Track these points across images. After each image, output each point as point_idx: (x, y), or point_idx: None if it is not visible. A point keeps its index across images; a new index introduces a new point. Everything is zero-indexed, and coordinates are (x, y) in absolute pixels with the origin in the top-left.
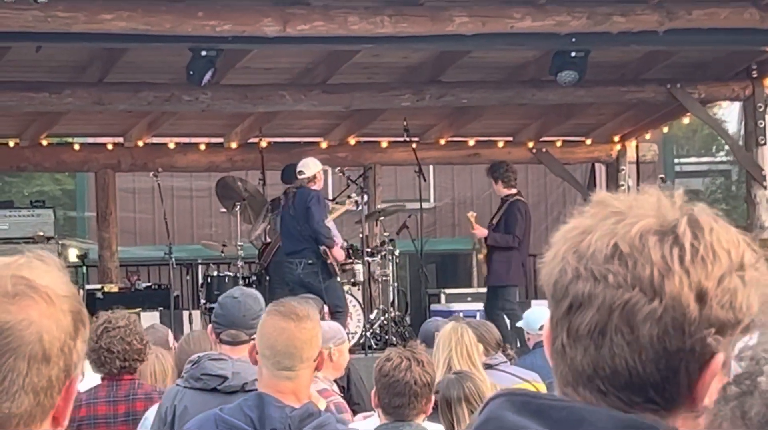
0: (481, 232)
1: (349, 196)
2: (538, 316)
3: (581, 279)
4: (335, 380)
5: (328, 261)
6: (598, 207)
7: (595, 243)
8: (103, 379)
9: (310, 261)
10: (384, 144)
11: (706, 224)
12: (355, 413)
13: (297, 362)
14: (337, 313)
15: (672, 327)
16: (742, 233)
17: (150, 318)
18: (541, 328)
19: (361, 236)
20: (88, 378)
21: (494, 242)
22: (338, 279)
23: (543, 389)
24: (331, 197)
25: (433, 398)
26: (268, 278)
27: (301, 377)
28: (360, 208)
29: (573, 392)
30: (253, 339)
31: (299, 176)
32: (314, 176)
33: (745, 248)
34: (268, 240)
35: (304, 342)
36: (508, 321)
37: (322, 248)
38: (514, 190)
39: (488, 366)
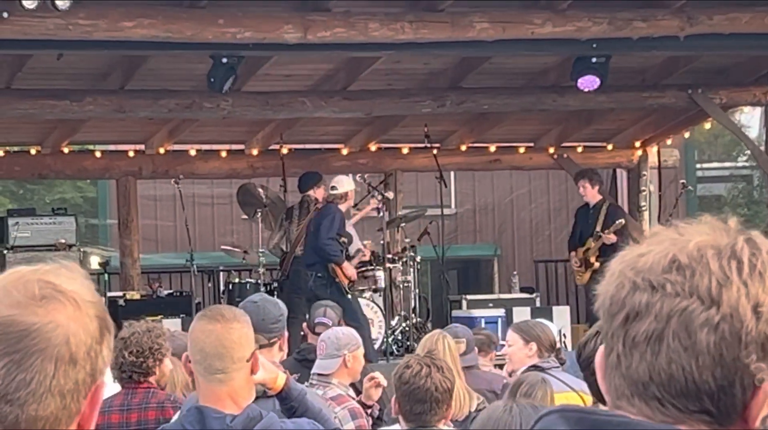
0: (612, 238)
1: (373, 196)
2: None
3: (638, 290)
4: (353, 385)
5: (336, 280)
6: (653, 236)
7: (653, 257)
8: (121, 387)
9: (320, 274)
10: (405, 150)
11: (764, 244)
12: (376, 419)
13: (228, 363)
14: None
15: (729, 335)
16: None
17: (172, 325)
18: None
19: (382, 242)
20: (110, 387)
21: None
22: (349, 297)
23: (589, 401)
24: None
25: (453, 404)
26: (275, 285)
27: (236, 379)
28: (381, 214)
29: (627, 405)
30: (273, 344)
31: (331, 191)
32: (345, 194)
33: None
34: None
35: (233, 342)
36: None
37: (330, 265)
38: (601, 195)
39: (538, 368)
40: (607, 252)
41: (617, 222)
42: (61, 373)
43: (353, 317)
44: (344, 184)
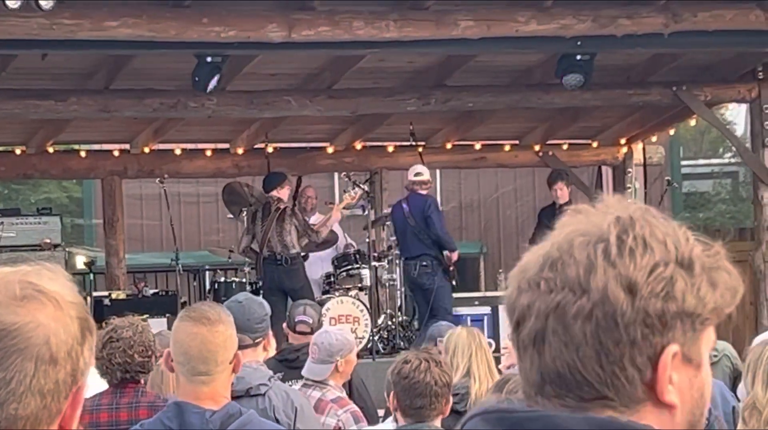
0: None
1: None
2: None
3: (523, 292)
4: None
5: (450, 267)
6: (554, 230)
7: (533, 256)
8: (109, 385)
9: (424, 263)
10: (390, 149)
11: (639, 219)
12: None
13: (212, 366)
14: (441, 315)
15: (604, 321)
16: (698, 235)
17: (158, 325)
18: None
19: (367, 240)
20: (95, 384)
21: None
22: (454, 283)
23: None
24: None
25: (451, 398)
26: (260, 284)
27: (218, 381)
28: (366, 212)
29: (533, 403)
30: (258, 343)
31: (413, 178)
32: (428, 181)
33: (694, 243)
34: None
35: (218, 346)
36: None
37: (446, 253)
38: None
39: None
40: None
41: None
42: (42, 373)
43: (448, 302)
44: (425, 172)
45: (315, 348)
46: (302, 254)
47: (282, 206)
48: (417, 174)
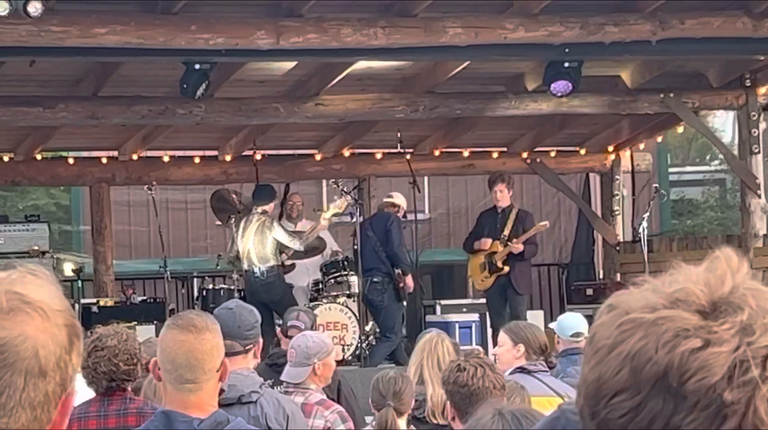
0: (519, 248)
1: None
2: (572, 322)
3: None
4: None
5: (400, 284)
6: (668, 276)
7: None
8: (96, 393)
9: (375, 280)
10: (378, 156)
11: (650, 323)
12: None
13: (199, 374)
14: (385, 336)
15: (582, 410)
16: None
17: (146, 332)
18: (573, 335)
19: (355, 247)
20: (82, 392)
21: (531, 255)
22: (404, 303)
23: None
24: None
25: (505, 400)
26: (243, 293)
27: (205, 389)
28: (354, 219)
29: None
30: (248, 350)
31: (385, 199)
32: (399, 206)
33: (699, 372)
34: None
35: (204, 353)
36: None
37: (398, 271)
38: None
39: (524, 371)
40: (512, 259)
41: (539, 225)
42: (31, 386)
43: (393, 324)
44: (400, 198)
45: (292, 351)
46: (287, 263)
47: (263, 218)
48: (388, 196)
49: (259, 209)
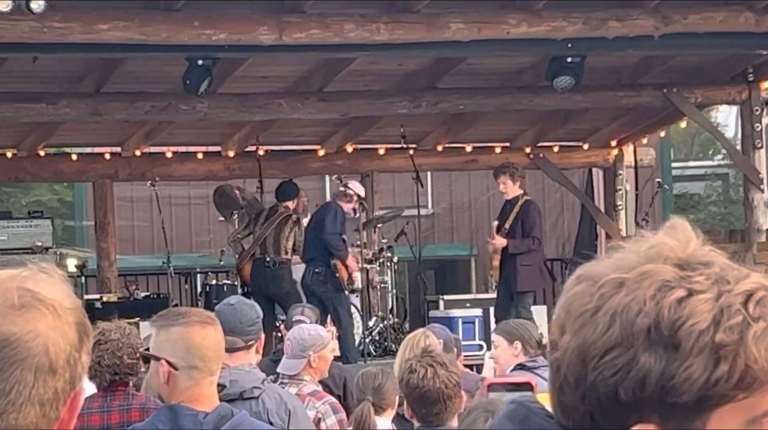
0: (501, 242)
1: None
2: None
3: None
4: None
5: (336, 275)
6: (616, 251)
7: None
8: (98, 389)
9: (317, 270)
10: (381, 151)
11: (633, 283)
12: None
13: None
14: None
15: (564, 381)
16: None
17: (149, 328)
18: None
19: (359, 243)
20: (87, 388)
21: (516, 249)
22: (346, 293)
23: None
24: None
25: (463, 394)
26: (247, 289)
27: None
28: (357, 215)
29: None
30: (250, 346)
31: (340, 188)
32: (352, 196)
33: (690, 321)
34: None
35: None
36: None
37: (333, 260)
38: (521, 190)
39: (524, 368)
40: (508, 255)
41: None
42: (41, 383)
43: (343, 314)
44: (358, 187)
45: (288, 343)
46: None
47: (288, 214)
48: (343, 185)
49: (283, 205)
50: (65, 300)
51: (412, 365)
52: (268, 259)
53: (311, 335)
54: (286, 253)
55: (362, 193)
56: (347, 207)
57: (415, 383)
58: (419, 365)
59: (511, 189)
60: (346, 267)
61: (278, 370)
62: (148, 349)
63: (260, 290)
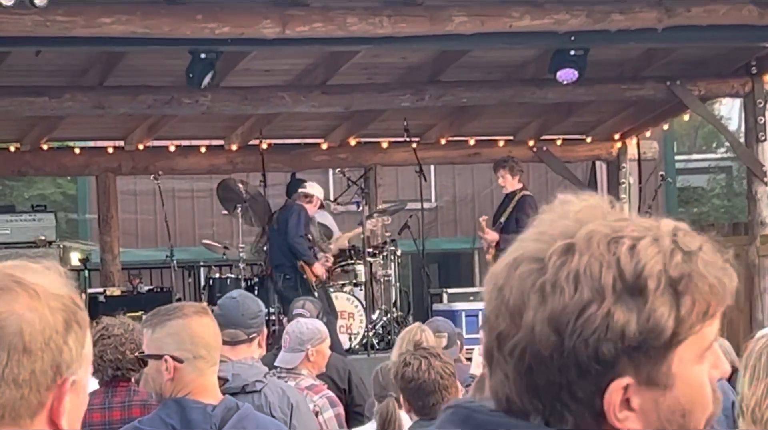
0: (493, 236)
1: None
2: None
3: (485, 302)
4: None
5: (304, 276)
6: (531, 226)
7: (497, 268)
8: (100, 385)
9: (288, 276)
10: (384, 145)
11: (584, 246)
12: (357, 414)
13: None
14: None
15: (533, 361)
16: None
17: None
18: None
19: (362, 236)
20: (90, 385)
21: (506, 244)
22: (316, 294)
23: None
24: (332, 198)
25: (458, 383)
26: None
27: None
28: (360, 208)
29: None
30: (252, 339)
31: (300, 190)
32: (312, 196)
33: (651, 264)
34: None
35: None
36: None
37: (299, 263)
38: (521, 184)
39: None
40: (501, 251)
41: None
42: (15, 362)
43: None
44: (315, 187)
45: (287, 337)
46: None
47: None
48: (302, 186)
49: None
50: (53, 287)
51: (405, 358)
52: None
53: (309, 328)
54: None
55: (321, 195)
56: (310, 208)
57: (410, 376)
58: (413, 358)
59: (509, 183)
60: (313, 272)
61: (276, 363)
62: (142, 352)
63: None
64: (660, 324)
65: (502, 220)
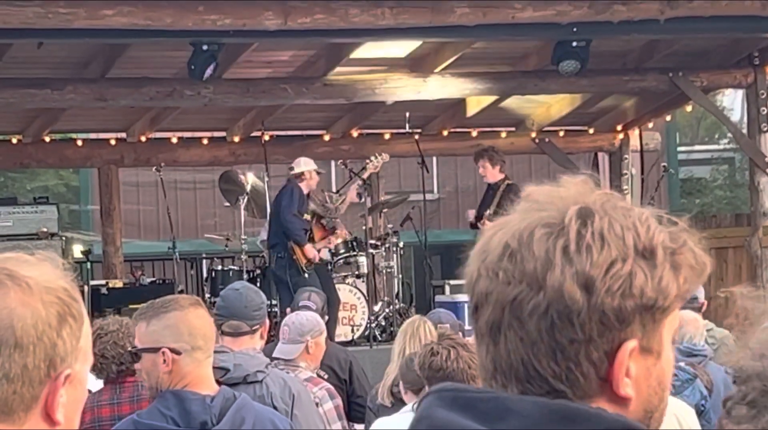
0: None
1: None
2: None
3: (481, 278)
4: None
5: (294, 257)
6: (523, 202)
7: (494, 241)
8: (105, 383)
9: (280, 255)
10: (387, 136)
11: (599, 210)
12: (357, 406)
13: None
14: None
15: (558, 319)
16: (661, 215)
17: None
18: None
19: (364, 227)
20: (93, 384)
21: None
22: (306, 276)
23: None
24: (335, 190)
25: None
26: (257, 272)
27: None
28: (363, 200)
29: (488, 387)
30: (255, 331)
31: (290, 172)
32: (302, 174)
33: (656, 230)
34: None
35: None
36: None
37: (289, 243)
38: (502, 174)
39: None
40: None
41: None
42: (6, 357)
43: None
44: (301, 164)
45: (286, 329)
46: None
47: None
48: (290, 168)
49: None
50: (48, 280)
51: (433, 348)
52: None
53: (309, 320)
54: None
55: (311, 167)
56: (304, 186)
57: (438, 365)
58: (441, 347)
59: (491, 173)
60: (304, 253)
61: (275, 354)
62: (134, 347)
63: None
64: (668, 288)
65: (490, 211)
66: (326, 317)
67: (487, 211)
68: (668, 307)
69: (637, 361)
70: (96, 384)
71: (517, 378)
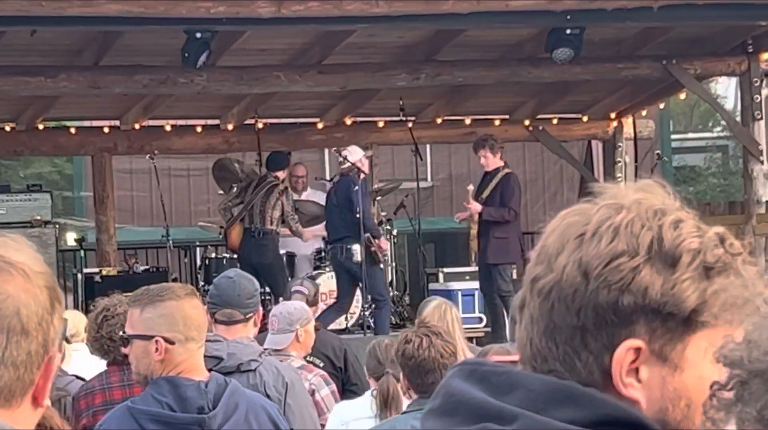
0: (476, 207)
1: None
2: None
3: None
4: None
5: (372, 248)
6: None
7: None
8: (109, 365)
9: (349, 247)
10: (381, 124)
11: (630, 208)
12: (352, 393)
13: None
14: (378, 301)
15: (557, 300)
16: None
17: None
18: None
19: (358, 215)
20: (94, 364)
21: (489, 216)
22: (381, 266)
23: None
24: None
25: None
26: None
27: None
28: (356, 188)
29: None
30: (248, 319)
31: (343, 163)
32: (353, 164)
33: (689, 242)
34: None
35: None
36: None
37: (367, 235)
38: (502, 161)
39: None
40: (484, 225)
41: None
42: (14, 344)
43: (381, 288)
44: (352, 154)
45: (274, 319)
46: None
47: (276, 183)
48: (343, 157)
49: (272, 175)
50: (35, 265)
51: (407, 335)
52: (254, 228)
53: (297, 309)
54: (272, 223)
55: (358, 155)
56: (362, 176)
57: (411, 353)
58: (414, 335)
59: (491, 161)
60: (379, 246)
61: (265, 346)
62: (124, 332)
63: (246, 260)
64: (682, 296)
65: (484, 196)
66: (319, 304)
67: (482, 196)
68: (690, 319)
69: (649, 366)
70: (97, 366)
71: (525, 355)
